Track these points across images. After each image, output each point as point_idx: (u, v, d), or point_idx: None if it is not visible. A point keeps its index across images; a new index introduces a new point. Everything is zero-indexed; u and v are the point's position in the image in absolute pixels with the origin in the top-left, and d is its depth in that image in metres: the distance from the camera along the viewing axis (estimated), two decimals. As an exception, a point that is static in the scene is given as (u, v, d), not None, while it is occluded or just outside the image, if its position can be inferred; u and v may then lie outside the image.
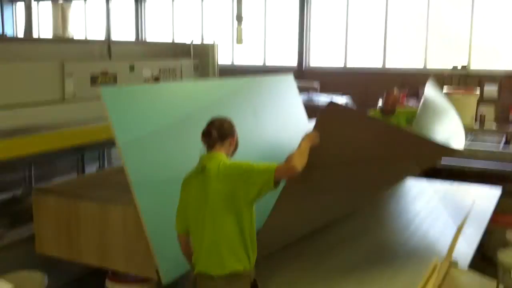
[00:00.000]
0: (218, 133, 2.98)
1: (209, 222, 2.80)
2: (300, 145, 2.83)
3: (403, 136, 2.86)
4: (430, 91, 4.79)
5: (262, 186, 2.69)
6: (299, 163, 2.66)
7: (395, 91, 5.47)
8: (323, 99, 10.73)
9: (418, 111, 4.34)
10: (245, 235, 2.80)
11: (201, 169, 2.87)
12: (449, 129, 4.09)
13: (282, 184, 2.83)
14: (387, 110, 5.36)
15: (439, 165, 5.57)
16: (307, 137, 2.88)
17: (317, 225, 3.28)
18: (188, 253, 3.04)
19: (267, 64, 14.22)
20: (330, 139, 2.80)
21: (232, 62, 14.51)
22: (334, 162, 2.93)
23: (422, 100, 4.44)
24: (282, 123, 5.95)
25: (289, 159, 2.69)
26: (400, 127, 2.77)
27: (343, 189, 3.28)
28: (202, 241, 2.85)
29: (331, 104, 2.95)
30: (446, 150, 3.27)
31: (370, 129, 2.84)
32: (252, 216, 2.84)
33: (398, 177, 3.57)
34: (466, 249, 3.47)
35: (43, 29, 16.36)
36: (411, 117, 5.33)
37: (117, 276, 4.11)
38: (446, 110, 4.72)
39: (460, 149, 3.71)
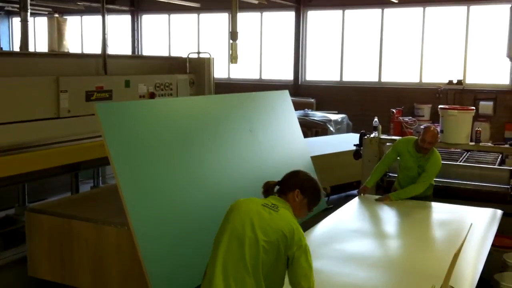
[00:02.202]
0: (280, 182, 2.94)
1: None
2: None
3: None
4: None
5: (289, 269, 2.72)
6: None
7: (433, 127, 5.14)
8: (319, 115, 10.73)
9: None
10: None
11: (271, 205, 2.79)
12: None
13: None
14: (423, 148, 5.03)
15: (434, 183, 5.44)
16: None
17: None
18: None
19: (263, 78, 14.23)
20: None
21: (229, 76, 14.52)
22: None
23: None
24: (278, 140, 5.93)
25: None
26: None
27: None
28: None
29: None
30: None
31: None
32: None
33: None
34: (468, 275, 3.37)
35: (40, 43, 16.35)
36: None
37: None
38: None
39: None
